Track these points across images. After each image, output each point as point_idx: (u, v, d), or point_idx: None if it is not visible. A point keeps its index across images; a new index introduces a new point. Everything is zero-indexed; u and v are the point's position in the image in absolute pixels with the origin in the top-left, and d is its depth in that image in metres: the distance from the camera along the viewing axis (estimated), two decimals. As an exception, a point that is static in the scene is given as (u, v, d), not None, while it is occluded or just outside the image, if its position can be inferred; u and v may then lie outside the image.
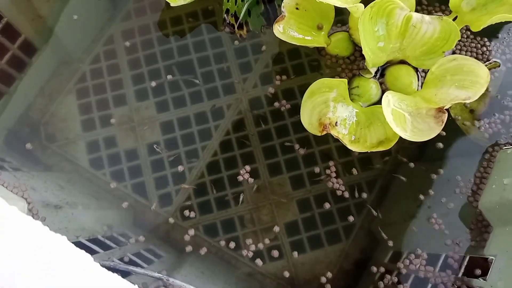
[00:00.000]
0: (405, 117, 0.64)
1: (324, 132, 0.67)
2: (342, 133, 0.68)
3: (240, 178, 0.75)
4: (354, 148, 0.67)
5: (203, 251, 0.72)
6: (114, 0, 0.87)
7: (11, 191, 0.62)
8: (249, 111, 0.80)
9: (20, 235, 0.37)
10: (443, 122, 0.62)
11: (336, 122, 0.67)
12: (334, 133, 0.67)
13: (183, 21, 0.85)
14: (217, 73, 0.82)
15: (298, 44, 0.73)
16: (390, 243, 0.72)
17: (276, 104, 0.80)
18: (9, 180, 0.66)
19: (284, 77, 0.80)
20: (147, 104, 0.81)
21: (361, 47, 0.76)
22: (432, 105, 0.64)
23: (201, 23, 0.85)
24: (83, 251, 0.38)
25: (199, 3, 0.82)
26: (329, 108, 0.68)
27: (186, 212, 0.74)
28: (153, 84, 0.80)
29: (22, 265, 0.35)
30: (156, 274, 0.53)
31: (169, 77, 0.80)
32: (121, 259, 0.61)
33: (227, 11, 0.78)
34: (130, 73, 0.82)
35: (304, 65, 0.82)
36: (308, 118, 0.70)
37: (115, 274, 0.38)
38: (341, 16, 0.82)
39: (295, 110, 0.79)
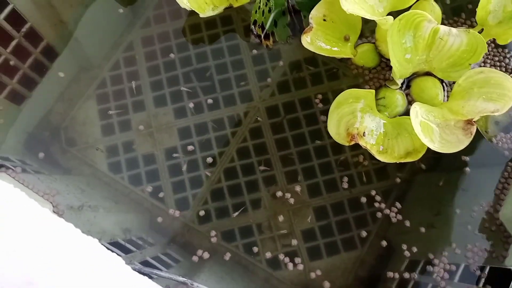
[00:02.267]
0: (433, 129, 0.65)
1: (352, 142, 0.68)
2: (370, 144, 0.69)
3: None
4: (383, 158, 0.68)
5: (223, 256, 0.72)
6: (134, 7, 0.88)
7: (37, 193, 0.63)
8: (267, 118, 0.81)
9: (53, 237, 0.38)
10: (471, 134, 0.62)
11: (364, 133, 0.68)
12: (362, 143, 0.68)
13: (202, 29, 0.86)
14: (234, 81, 0.83)
15: (326, 55, 0.74)
16: (407, 252, 0.72)
17: (294, 112, 0.80)
18: (34, 183, 0.67)
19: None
20: (165, 110, 0.82)
21: (387, 58, 0.78)
22: (460, 117, 0.65)
23: (219, 30, 0.86)
24: (114, 254, 0.39)
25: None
26: (356, 119, 0.69)
27: (203, 217, 0.75)
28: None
29: (57, 267, 0.36)
30: (180, 278, 0.54)
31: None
32: (141, 263, 0.62)
33: (255, 22, 0.79)
34: (149, 79, 0.84)
35: (321, 73, 0.83)
36: (336, 128, 0.72)
37: (145, 277, 0.39)
38: (367, 28, 0.82)
39: (313, 118, 0.80)
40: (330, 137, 0.77)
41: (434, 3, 0.77)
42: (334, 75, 0.82)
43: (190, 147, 0.79)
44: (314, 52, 0.77)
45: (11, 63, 0.79)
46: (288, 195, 0.76)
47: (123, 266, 0.38)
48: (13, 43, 0.77)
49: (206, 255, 0.72)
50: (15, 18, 0.77)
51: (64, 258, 0.36)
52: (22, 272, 0.33)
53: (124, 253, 0.63)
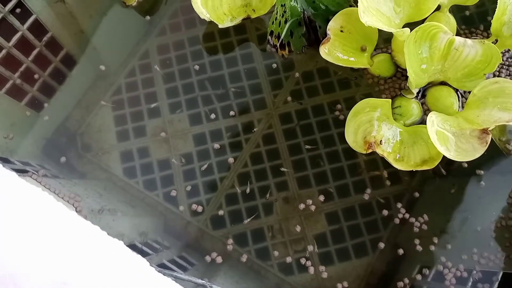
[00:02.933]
0: (448, 138, 0.66)
1: (370, 150, 0.70)
2: (387, 152, 0.71)
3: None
4: (399, 166, 0.70)
5: (236, 260, 0.74)
6: (147, 15, 0.91)
7: (62, 198, 0.65)
8: (279, 125, 0.82)
9: (83, 239, 0.40)
10: (487, 143, 0.64)
11: (381, 141, 0.69)
12: (379, 151, 0.70)
13: (215, 38, 0.88)
14: (248, 89, 0.85)
15: (343, 65, 0.76)
16: (419, 247, 0.73)
17: (307, 118, 0.82)
18: (56, 187, 0.69)
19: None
20: (181, 116, 0.84)
21: (402, 68, 0.80)
22: (475, 126, 0.66)
23: (232, 39, 0.88)
24: (139, 256, 0.40)
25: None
26: (373, 127, 0.71)
27: (217, 222, 0.76)
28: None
29: (88, 268, 0.37)
30: (199, 280, 0.55)
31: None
32: (159, 265, 0.63)
33: (271, 32, 0.82)
34: (164, 86, 0.86)
35: (333, 82, 0.84)
36: (353, 136, 0.74)
37: (169, 279, 0.40)
38: (381, 37, 0.83)
39: (325, 125, 0.81)
40: (342, 143, 0.79)
41: (449, 15, 0.79)
42: (347, 84, 0.84)
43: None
44: (326, 61, 0.79)
45: (32, 71, 0.81)
46: (299, 200, 0.77)
47: (148, 268, 0.40)
48: (35, 52, 0.80)
49: (219, 259, 0.73)
50: (37, 28, 0.79)
51: (94, 259, 0.37)
52: (57, 273, 0.34)
53: (142, 256, 0.65)
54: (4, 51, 0.78)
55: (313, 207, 0.77)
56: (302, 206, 0.77)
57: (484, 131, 0.65)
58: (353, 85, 0.84)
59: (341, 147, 0.80)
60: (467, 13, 0.87)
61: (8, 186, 0.42)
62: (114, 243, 0.40)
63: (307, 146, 0.80)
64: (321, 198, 0.77)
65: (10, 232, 0.37)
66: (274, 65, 0.86)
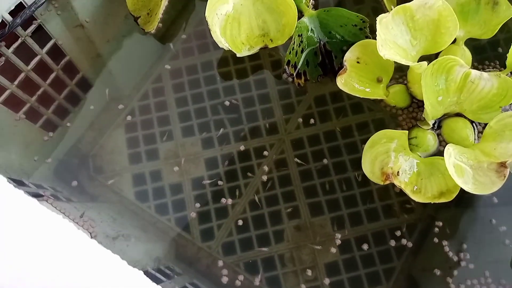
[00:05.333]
0: (466, 170, 0.66)
1: (387, 182, 0.70)
2: (404, 183, 0.71)
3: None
4: (417, 198, 0.69)
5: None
6: (163, 40, 0.92)
7: (77, 223, 0.65)
8: (291, 151, 0.82)
9: (103, 268, 0.39)
10: (505, 176, 0.64)
11: (398, 172, 0.70)
12: (396, 182, 0.70)
13: (229, 63, 0.89)
14: (260, 113, 0.85)
15: (359, 96, 0.77)
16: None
17: (318, 144, 0.82)
18: (70, 211, 0.69)
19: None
20: (193, 140, 0.84)
21: (417, 99, 0.81)
22: (492, 159, 0.66)
23: (246, 65, 0.89)
24: (160, 287, 0.40)
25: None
26: (390, 158, 0.72)
27: (228, 248, 0.76)
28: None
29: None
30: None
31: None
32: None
33: (288, 62, 0.83)
34: (177, 110, 0.86)
35: (346, 107, 0.85)
36: (370, 167, 0.74)
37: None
38: (395, 68, 0.83)
39: (337, 151, 0.81)
40: (353, 169, 0.79)
41: (465, 47, 0.80)
42: (360, 109, 0.85)
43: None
44: (339, 88, 0.79)
45: (49, 94, 0.82)
46: (311, 227, 0.77)
47: (169, 300, 0.39)
48: (52, 75, 0.81)
49: (225, 279, 0.73)
50: (56, 52, 0.81)
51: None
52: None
53: (155, 283, 0.64)
54: (22, 75, 0.79)
55: (324, 235, 0.76)
56: (313, 233, 0.76)
57: (502, 164, 0.65)
58: (366, 110, 0.84)
59: (353, 174, 0.80)
60: (480, 43, 0.88)
61: (28, 213, 0.42)
62: (134, 272, 0.40)
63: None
64: (332, 225, 0.77)
65: (33, 261, 0.37)
66: (287, 91, 0.86)
